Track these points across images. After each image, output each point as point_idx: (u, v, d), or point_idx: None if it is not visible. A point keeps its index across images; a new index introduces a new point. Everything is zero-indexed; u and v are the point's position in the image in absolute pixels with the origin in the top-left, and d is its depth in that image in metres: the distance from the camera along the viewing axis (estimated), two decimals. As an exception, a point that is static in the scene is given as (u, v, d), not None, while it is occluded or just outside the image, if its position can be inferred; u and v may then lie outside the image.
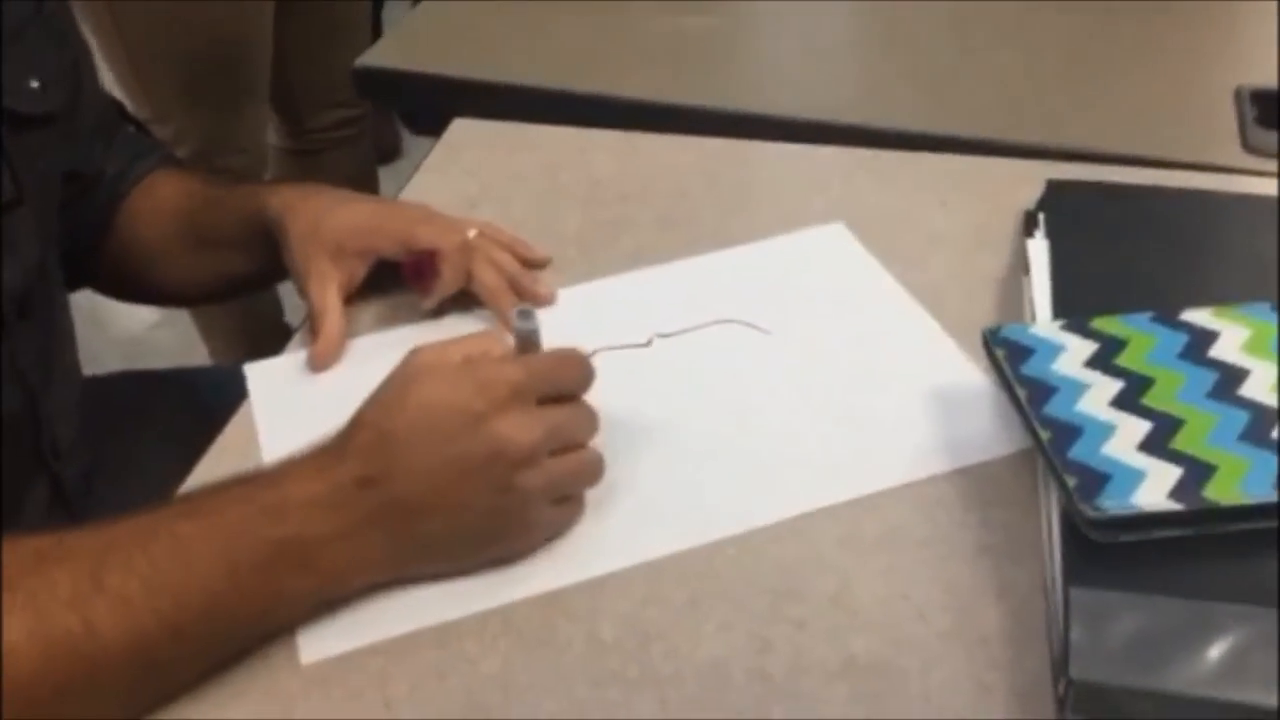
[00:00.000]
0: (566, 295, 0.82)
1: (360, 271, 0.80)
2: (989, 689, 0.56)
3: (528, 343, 0.63)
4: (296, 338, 0.81)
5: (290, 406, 0.74)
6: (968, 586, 0.61)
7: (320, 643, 0.59)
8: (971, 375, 0.72)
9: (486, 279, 0.79)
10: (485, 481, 0.59)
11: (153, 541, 0.56)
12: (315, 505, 0.58)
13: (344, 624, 0.60)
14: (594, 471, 0.64)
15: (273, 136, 1.68)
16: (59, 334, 0.84)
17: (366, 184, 1.77)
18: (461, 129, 1.01)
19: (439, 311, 0.80)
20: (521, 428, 0.59)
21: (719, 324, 0.72)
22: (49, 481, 0.80)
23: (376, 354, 0.72)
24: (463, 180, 0.95)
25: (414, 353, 0.63)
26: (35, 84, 0.77)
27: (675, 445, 0.69)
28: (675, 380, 0.73)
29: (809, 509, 0.65)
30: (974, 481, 0.66)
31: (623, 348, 0.66)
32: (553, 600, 0.61)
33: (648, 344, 0.68)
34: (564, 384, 0.62)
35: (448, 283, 0.78)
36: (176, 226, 0.90)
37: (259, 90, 1.56)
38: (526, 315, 0.62)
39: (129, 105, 1.50)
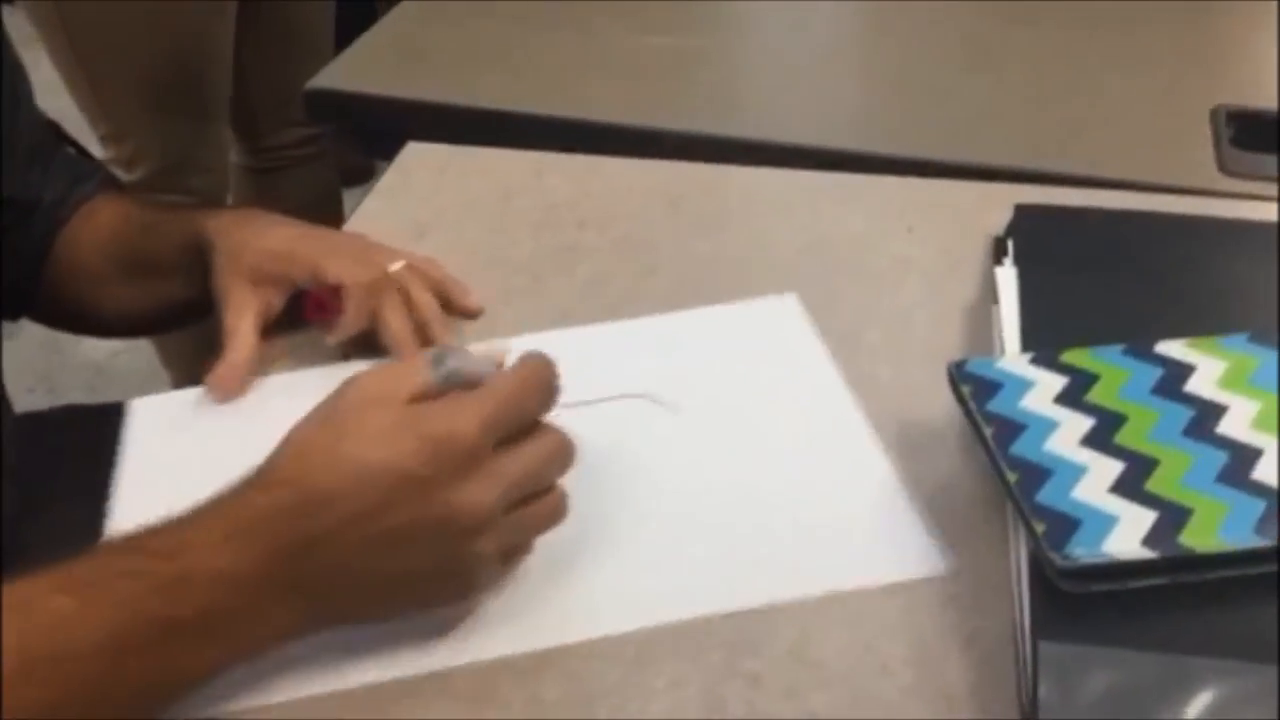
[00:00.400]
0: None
1: (277, 301, 0.76)
2: (955, 749, 0.53)
3: (455, 387, 0.54)
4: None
5: (167, 450, 0.70)
6: (934, 637, 0.57)
7: (232, 697, 0.55)
8: (888, 486, 0.65)
9: (392, 324, 0.73)
10: (428, 551, 0.53)
11: (24, 619, 0.50)
12: (221, 581, 0.51)
13: (261, 678, 0.55)
14: (556, 516, 0.57)
15: (233, 154, 1.65)
16: None
17: (330, 205, 1.73)
18: (414, 153, 0.98)
19: (352, 352, 0.76)
20: (475, 494, 0.52)
21: (626, 398, 0.65)
22: (-30, 525, 0.76)
23: (278, 397, 0.68)
24: (414, 206, 0.92)
25: (350, 385, 0.54)
26: None
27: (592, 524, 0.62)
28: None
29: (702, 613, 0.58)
30: (942, 522, 0.63)
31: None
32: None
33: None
34: (527, 416, 0.54)
35: (349, 322, 0.74)
36: (115, 253, 0.86)
37: (220, 107, 1.53)
38: (437, 360, 0.53)
39: (87, 122, 1.48)
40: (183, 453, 0.70)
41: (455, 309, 0.79)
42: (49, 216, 0.87)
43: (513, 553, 0.57)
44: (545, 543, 0.58)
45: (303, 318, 0.76)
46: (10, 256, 0.84)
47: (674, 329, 0.78)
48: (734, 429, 0.69)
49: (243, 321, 0.74)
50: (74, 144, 0.96)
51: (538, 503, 0.55)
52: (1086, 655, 0.51)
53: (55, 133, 0.93)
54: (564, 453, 0.56)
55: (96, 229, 0.87)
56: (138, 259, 0.85)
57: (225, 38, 1.47)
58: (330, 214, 1.73)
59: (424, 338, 0.75)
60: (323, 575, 0.52)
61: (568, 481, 0.57)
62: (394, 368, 0.55)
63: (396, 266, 0.76)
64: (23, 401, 0.88)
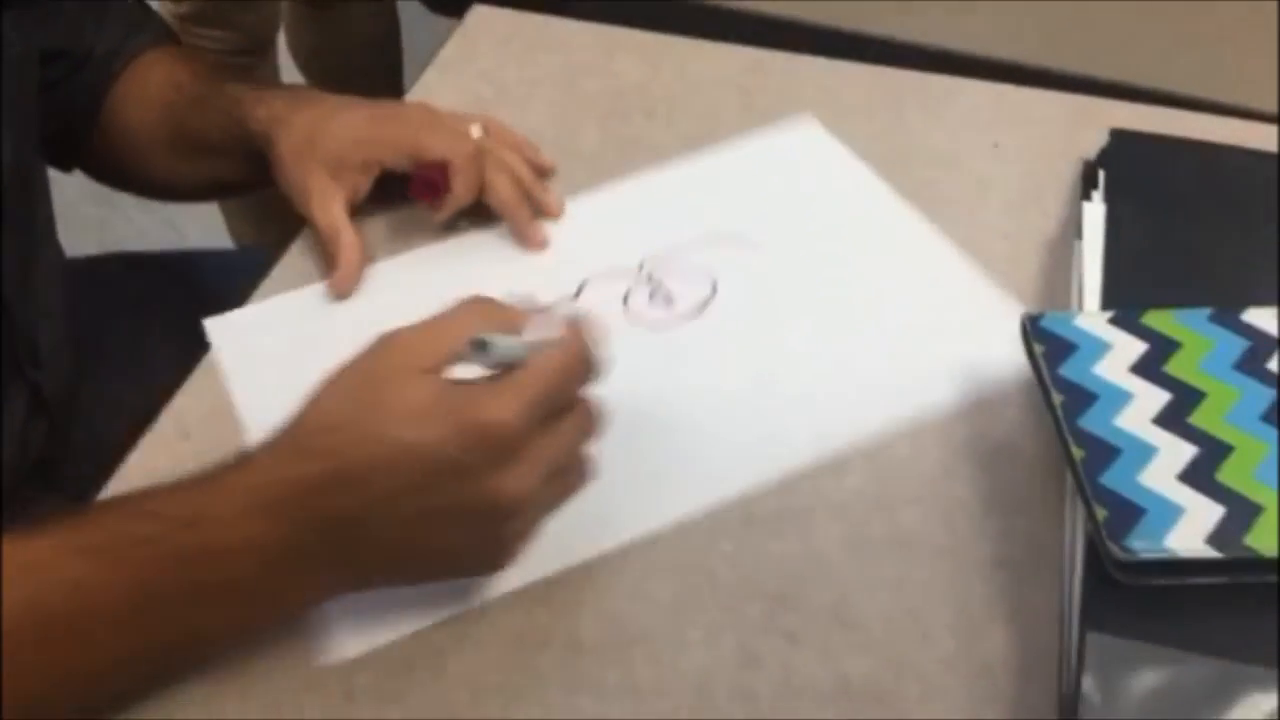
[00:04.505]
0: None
1: (364, 186, 0.75)
2: (989, 727, 0.52)
3: (504, 368, 0.50)
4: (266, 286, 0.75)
5: (264, 363, 0.69)
6: (979, 607, 0.56)
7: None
8: (978, 288, 0.70)
9: (501, 190, 0.74)
10: (465, 531, 0.51)
11: (40, 578, 0.49)
12: (247, 552, 0.49)
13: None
14: (585, 482, 0.54)
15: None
16: (40, 229, 0.79)
17: (389, 45, 1.67)
18: (480, 17, 0.94)
19: (452, 226, 0.76)
20: (516, 482, 0.49)
21: (708, 239, 0.67)
22: (27, 391, 0.76)
23: (383, 285, 0.71)
24: (475, 80, 0.88)
25: (384, 348, 0.51)
26: None
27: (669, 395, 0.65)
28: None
29: (812, 460, 0.62)
30: (999, 484, 0.61)
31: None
32: (532, 588, 0.57)
33: (640, 269, 0.68)
34: (567, 398, 0.52)
35: (460, 196, 0.73)
36: (162, 125, 0.84)
37: None
38: (480, 347, 0.49)
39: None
40: (289, 358, 0.67)
41: (535, 169, 0.79)
42: (101, 69, 0.84)
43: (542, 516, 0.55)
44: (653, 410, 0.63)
45: (409, 196, 0.75)
46: (62, 109, 0.83)
47: (711, 168, 0.79)
48: (817, 261, 0.72)
49: (335, 213, 0.73)
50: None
51: (572, 472, 0.53)
52: (1135, 651, 0.49)
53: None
54: (597, 424, 0.53)
55: (146, 94, 0.85)
56: (185, 135, 0.83)
57: None
58: (390, 54, 1.68)
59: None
60: (355, 549, 0.50)
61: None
62: (428, 331, 0.51)
63: (478, 133, 0.76)
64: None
